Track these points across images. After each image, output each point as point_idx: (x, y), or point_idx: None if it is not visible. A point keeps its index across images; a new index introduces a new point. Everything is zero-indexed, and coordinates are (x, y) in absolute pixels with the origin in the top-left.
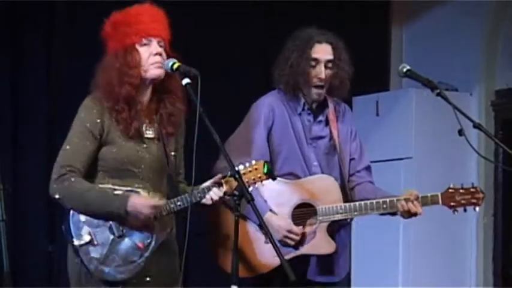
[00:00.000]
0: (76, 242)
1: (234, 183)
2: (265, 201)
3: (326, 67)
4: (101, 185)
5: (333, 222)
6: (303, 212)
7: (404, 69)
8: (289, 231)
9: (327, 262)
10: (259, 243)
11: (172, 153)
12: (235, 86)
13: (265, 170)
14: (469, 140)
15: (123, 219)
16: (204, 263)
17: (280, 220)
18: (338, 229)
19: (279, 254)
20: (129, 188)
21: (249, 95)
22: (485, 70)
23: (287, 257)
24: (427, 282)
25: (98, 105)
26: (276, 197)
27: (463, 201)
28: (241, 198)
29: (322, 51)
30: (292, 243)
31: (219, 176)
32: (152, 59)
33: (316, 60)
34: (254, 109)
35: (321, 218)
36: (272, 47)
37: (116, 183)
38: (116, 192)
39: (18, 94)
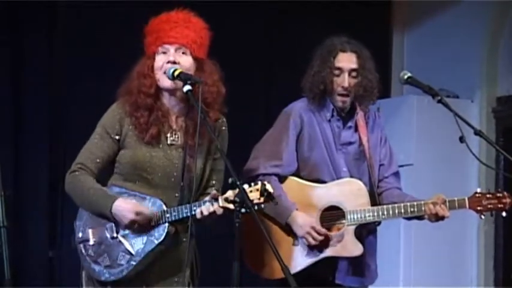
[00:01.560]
0: (77, 236)
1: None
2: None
3: (350, 76)
4: (109, 187)
5: (361, 225)
6: (331, 215)
7: (406, 76)
8: (312, 228)
9: (356, 265)
10: (286, 245)
11: (201, 166)
12: (237, 88)
13: (261, 192)
14: (470, 147)
15: (112, 220)
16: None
17: (306, 218)
18: (367, 234)
19: (281, 261)
20: (137, 192)
21: (251, 98)
22: (486, 77)
23: (315, 260)
24: None
25: (120, 109)
26: (305, 200)
27: (489, 206)
28: (242, 205)
29: (346, 60)
30: (313, 242)
31: (214, 192)
32: (164, 67)
33: (340, 70)
34: (282, 116)
35: (348, 220)
36: (272, 49)
37: (129, 187)
38: (109, 192)
39: (19, 100)
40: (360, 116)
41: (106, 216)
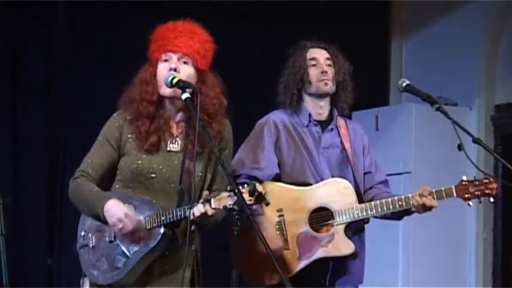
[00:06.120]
0: (79, 241)
1: (225, 200)
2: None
3: (326, 65)
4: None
5: (350, 224)
6: (320, 216)
7: (404, 84)
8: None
9: (347, 266)
10: (278, 251)
11: (200, 171)
12: (236, 89)
13: (250, 193)
14: (469, 154)
15: (101, 220)
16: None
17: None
18: (354, 233)
19: (278, 267)
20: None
21: (249, 99)
22: (484, 85)
23: (307, 262)
24: None
25: (121, 118)
26: (291, 203)
27: (477, 193)
28: (241, 213)
29: (319, 52)
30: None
31: (206, 193)
32: (166, 74)
33: (315, 59)
34: (257, 127)
35: (337, 220)
36: (271, 51)
37: (130, 193)
38: (106, 195)
39: (17, 108)
40: (341, 124)
41: (99, 216)
